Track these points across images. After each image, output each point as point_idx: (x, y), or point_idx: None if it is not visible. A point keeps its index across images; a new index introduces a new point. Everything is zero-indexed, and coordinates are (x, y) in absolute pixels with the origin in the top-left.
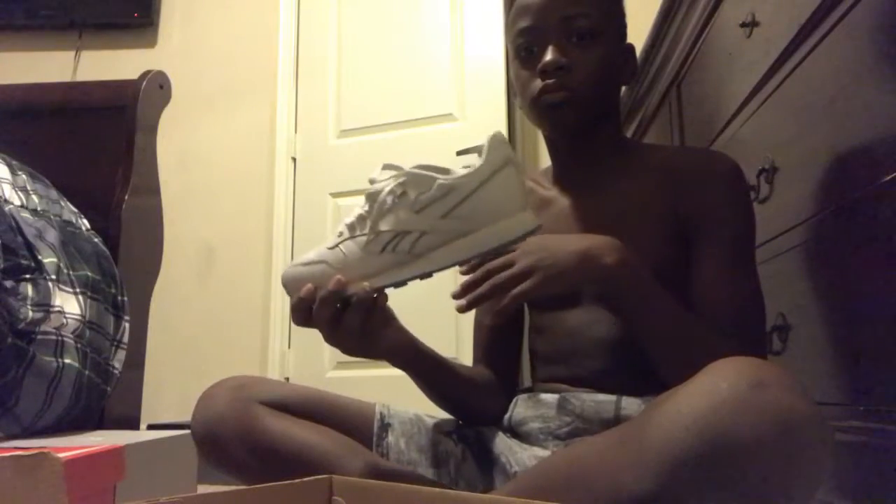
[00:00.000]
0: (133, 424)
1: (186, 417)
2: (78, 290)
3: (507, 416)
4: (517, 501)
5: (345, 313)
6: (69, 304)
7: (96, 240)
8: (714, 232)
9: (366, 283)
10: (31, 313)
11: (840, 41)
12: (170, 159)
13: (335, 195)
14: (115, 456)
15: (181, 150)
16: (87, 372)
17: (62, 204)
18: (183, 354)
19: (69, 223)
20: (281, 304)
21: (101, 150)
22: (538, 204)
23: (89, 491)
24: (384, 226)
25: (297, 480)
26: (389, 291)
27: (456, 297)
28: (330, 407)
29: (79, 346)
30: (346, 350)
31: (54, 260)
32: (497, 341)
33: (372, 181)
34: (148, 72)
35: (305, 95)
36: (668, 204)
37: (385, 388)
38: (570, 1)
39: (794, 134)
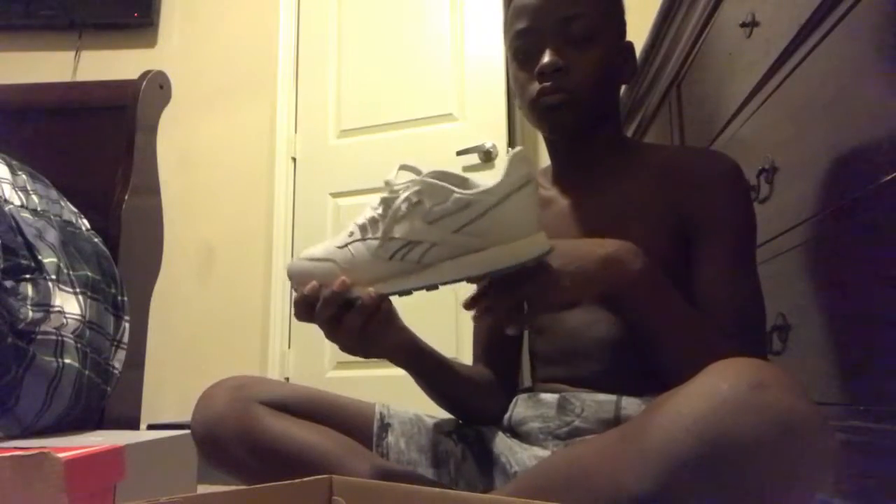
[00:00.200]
0: (133, 424)
1: (186, 417)
2: (78, 290)
3: (506, 416)
4: (517, 501)
5: (346, 314)
6: (69, 304)
7: (96, 240)
8: (714, 232)
9: (370, 289)
10: (31, 313)
11: (840, 41)
12: (170, 159)
13: (335, 195)
14: (115, 456)
15: (181, 150)
16: (87, 372)
17: (62, 204)
18: (183, 354)
19: (69, 223)
20: (281, 304)
21: (101, 150)
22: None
23: (89, 491)
24: (396, 233)
25: (297, 480)
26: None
27: (467, 307)
28: (330, 407)
29: (79, 346)
30: (346, 349)
31: (54, 260)
32: (497, 341)
33: (388, 183)
34: (148, 72)
35: (305, 95)
36: (668, 204)
37: (385, 388)
38: (568, 2)
39: (794, 134)
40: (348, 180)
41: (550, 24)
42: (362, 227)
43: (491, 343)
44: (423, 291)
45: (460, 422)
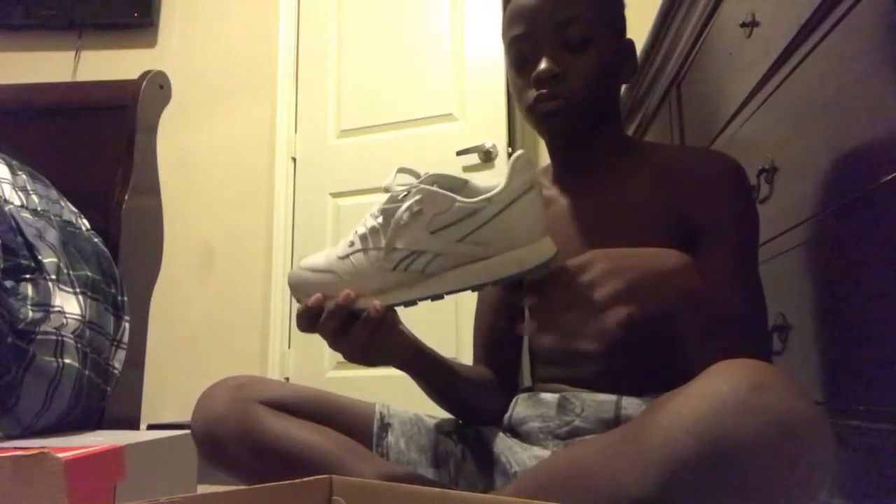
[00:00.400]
0: (133, 424)
1: (186, 417)
2: (78, 290)
3: (507, 416)
4: (517, 501)
5: (352, 326)
6: (69, 304)
7: (96, 240)
8: (716, 233)
9: (376, 301)
10: (31, 313)
11: (840, 41)
12: (170, 159)
13: (335, 195)
14: (115, 456)
15: (181, 150)
16: (87, 372)
17: (62, 204)
18: (183, 354)
19: (69, 223)
20: (281, 304)
21: (101, 150)
22: None
23: (89, 491)
24: (398, 243)
25: (297, 480)
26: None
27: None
28: (330, 407)
29: (79, 346)
30: (350, 358)
31: (54, 260)
32: (497, 341)
33: (387, 189)
34: (148, 72)
35: (305, 95)
36: (669, 204)
37: (385, 388)
38: (563, 6)
39: (794, 134)
40: (348, 180)
41: (546, 29)
42: (363, 238)
43: (491, 343)
44: (428, 301)
45: (460, 422)
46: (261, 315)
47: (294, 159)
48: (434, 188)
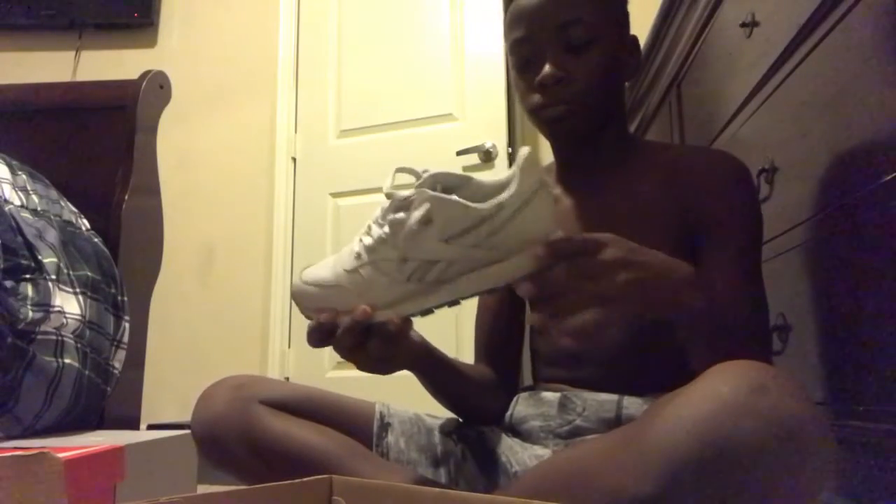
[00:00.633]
0: (133, 424)
1: (186, 417)
2: (78, 290)
3: (507, 415)
4: (517, 501)
5: (369, 341)
6: (69, 304)
7: (96, 240)
8: (720, 234)
9: (393, 315)
10: (31, 313)
11: (840, 41)
12: (170, 159)
13: (335, 195)
14: (115, 456)
15: (181, 150)
16: (87, 372)
17: (62, 204)
18: (183, 354)
19: (69, 223)
20: (281, 304)
21: (101, 150)
22: None
23: (89, 491)
24: (410, 254)
25: (297, 480)
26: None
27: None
28: (330, 406)
29: (79, 346)
30: (364, 369)
31: (54, 260)
32: (499, 340)
33: (389, 195)
34: (148, 72)
35: (305, 95)
36: (673, 204)
37: (385, 388)
38: (564, 7)
39: (794, 134)
40: (348, 180)
41: (548, 32)
42: (370, 250)
43: (492, 342)
44: (445, 308)
45: (461, 421)
46: (261, 315)
47: (294, 159)
48: (442, 195)
